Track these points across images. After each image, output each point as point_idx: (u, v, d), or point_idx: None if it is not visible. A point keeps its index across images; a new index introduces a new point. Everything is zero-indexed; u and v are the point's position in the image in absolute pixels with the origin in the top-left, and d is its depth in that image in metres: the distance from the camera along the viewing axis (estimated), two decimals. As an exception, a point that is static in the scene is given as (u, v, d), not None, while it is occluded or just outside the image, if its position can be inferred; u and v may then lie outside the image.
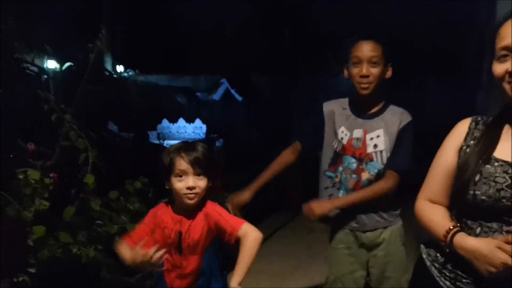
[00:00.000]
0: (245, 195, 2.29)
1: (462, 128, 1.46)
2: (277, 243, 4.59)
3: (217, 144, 7.59)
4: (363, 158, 2.14)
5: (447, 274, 1.40)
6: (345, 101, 2.23)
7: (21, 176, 2.17)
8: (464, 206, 1.37)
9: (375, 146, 2.13)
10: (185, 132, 10.01)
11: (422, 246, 1.54)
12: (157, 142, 8.48)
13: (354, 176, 2.15)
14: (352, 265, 2.23)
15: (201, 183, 1.70)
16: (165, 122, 9.78)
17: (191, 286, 1.77)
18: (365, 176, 2.14)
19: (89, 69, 2.38)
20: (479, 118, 1.46)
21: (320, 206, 2.13)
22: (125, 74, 12.01)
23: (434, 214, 1.44)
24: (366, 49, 2.08)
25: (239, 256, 1.68)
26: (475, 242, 1.30)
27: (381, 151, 2.13)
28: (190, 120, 9.96)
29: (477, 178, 1.33)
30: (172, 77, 12.09)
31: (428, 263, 1.47)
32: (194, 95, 11.44)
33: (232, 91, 11.51)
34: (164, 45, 12.04)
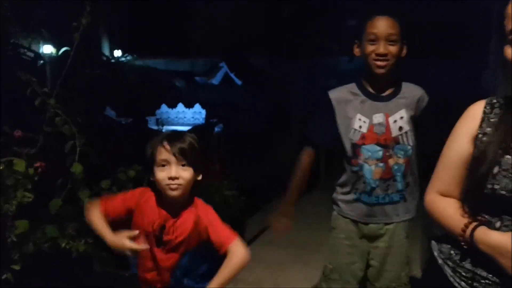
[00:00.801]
0: (287, 214, 2.23)
1: (475, 112, 1.30)
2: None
3: (217, 129, 7.45)
4: (388, 144, 1.97)
5: (463, 273, 1.27)
6: (353, 86, 2.05)
7: (1, 167, 2.02)
8: (482, 200, 1.24)
9: (400, 128, 1.97)
10: (184, 117, 9.87)
11: (433, 242, 1.40)
12: (156, 128, 8.33)
13: (381, 164, 1.98)
14: (351, 256, 2.12)
15: (185, 173, 1.58)
16: (164, 107, 9.63)
17: (164, 280, 1.66)
18: (392, 161, 1.98)
19: (74, 48, 2.21)
20: (495, 101, 1.30)
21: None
22: (123, 59, 11.84)
23: (448, 208, 1.31)
24: (384, 25, 1.91)
25: (221, 267, 1.56)
26: (499, 237, 1.17)
27: (406, 132, 1.98)
28: (189, 105, 9.81)
29: (495, 170, 1.19)
30: (170, 61, 11.92)
31: (440, 261, 1.34)
32: (193, 80, 11.27)
33: (232, 75, 11.33)
34: (162, 29, 11.83)
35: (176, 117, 9.75)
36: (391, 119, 1.98)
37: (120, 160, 2.84)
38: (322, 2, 9.52)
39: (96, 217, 1.64)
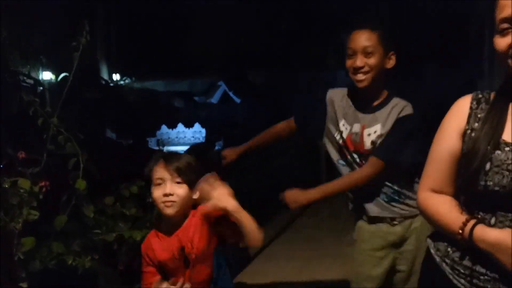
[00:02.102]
0: (232, 152, 2.40)
1: (462, 108, 1.31)
2: (282, 245, 4.46)
3: (217, 146, 7.48)
4: (362, 154, 2.03)
5: (462, 270, 1.26)
6: (345, 92, 2.11)
7: (6, 185, 2.04)
8: (475, 196, 1.24)
9: (372, 142, 2.00)
10: (185, 137, 9.91)
11: (428, 240, 1.39)
12: (156, 148, 8.37)
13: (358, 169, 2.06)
14: (375, 267, 2.10)
15: (179, 190, 1.60)
16: (164, 128, 9.68)
17: None
18: None
19: (74, 68, 2.25)
20: (480, 95, 1.31)
21: (294, 201, 2.07)
22: (122, 82, 11.94)
23: (443, 205, 1.29)
24: (360, 38, 1.95)
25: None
26: (498, 234, 1.17)
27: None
28: (189, 124, 9.86)
29: (487, 166, 1.19)
30: (169, 82, 12.02)
31: (438, 259, 1.32)
32: (192, 99, 11.34)
33: (230, 93, 11.41)
34: (159, 51, 11.96)
35: (177, 137, 9.79)
36: (365, 132, 2.01)
37: (121, 179, 2.87)
38: (319, 16, 9.64)
39: None
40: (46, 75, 9.75)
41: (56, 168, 2.29)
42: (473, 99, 1.31)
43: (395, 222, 2.07)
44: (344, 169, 2.10)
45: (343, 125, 2.05)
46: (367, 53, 1.93)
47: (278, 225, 4.96)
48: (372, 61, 1.94)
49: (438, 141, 1.33)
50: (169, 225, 1.66)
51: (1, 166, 2.47)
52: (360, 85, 1.97)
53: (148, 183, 1.66)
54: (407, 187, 2.05)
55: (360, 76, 1.95)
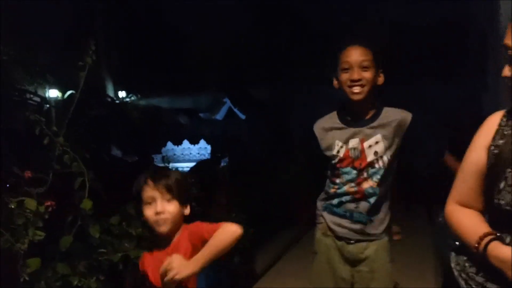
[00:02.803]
0: None
1: (492, 123, 1.31)
2: (290, 261, 4.42)
3: (223, 163, 7.47)
4: (363, 168, 2.04)
5: (474, 286, 1.26)
6: (334, 115, 2.15)
7: (13, 206, 2.03)
8: (493, 214, 1.25)
9: (375, 153, 2.03)
10: (190, 153, 9.93)
11: (452, 254, 1.39)
12: (162, 165, 8.36)
13: (352, 185, 2.07)
14: (333, 282, 2.14)
15: (170, 207, 1.60)
16: (169, 144, 9.70)
17: None
18: (367, 184, 2.05)
19: (81, 87, 2.26)
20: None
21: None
22: (127, 99, 12.01)
23: (465, 219, 1.31)
24: (356, 53, 2.00)
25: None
26: (509, 251, 1.16)
27: (381, 156, 2.04)
28: (194, 141, 9.88)
29: (501, 185, 1.19)
30: (174, 99, 12.08)
31: (456, 273, 1.33)
32: (197, 116, 11.39)
33: (235, 110, 11.45)
34: (164, 68, 12.04)
35: (182, 154, 9.80)
36: (366, 144, 2.04)
37: (127, 198, 2.86)
38: (320, 31, 9.70)
39: None
40: (52, 93, 9.84)
41: (62, 187, 2.28)
42: (504, 115, 1.31)
43: (351, 242, 2.11)
44: (331, 189, 2.14)
45: (337, 145, 2.08)
46: (363, 67, 1.98)
47: (286, 241, 4.93)
48: (368, 75, 1.98)
49: (467, 156, 1.34)
50: (162, 242, 1.65)
51: (8, 185, 2.46)
52: (356, 97, 2.00)
53: (138, 201, 1.64)
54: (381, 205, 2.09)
55: (357, 89, 1.99)
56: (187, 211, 1.65)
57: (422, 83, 8.82)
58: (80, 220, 2.23)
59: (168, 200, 1.60)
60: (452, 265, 1.36)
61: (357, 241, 2.09)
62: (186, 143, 9.83)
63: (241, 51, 11.23)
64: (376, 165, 2.04)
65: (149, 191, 1.60)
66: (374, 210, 2.07)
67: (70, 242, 2.17)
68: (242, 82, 11.24)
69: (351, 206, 2.08)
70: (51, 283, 2.11)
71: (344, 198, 2.09)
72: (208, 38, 11.43)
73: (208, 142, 9.81)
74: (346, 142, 2.06)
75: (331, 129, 2.12)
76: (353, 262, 2.12)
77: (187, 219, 1.70)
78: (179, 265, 1.47)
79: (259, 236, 3.96)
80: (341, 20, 8.51)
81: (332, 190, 2.12)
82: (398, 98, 2.23)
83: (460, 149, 1.40)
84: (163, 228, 1.60)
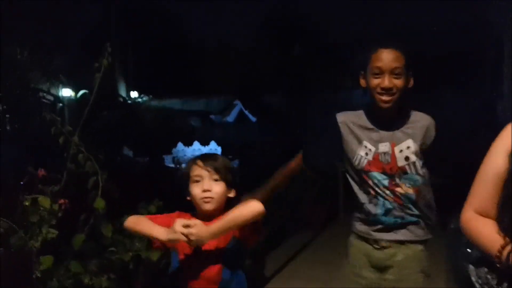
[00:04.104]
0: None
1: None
2: (301, 265, 4.41)
3: (233, 165, 7.47)
4: (394, 173, 1.94)
5: None
6: (361, 113, 2.02)
7: (27, 203, 2.05)
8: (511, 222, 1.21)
9: (407, 158, 1.94)
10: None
11: (470, 267, 1.34)
12: (172, 166, 8.40)
13: (388, 192, 1.96)
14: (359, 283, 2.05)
15: (217, 187, 1.67)
16: (180, 145, 9.73)
17: None
18: (401, 190, 1.95)
19: (96, 89, 2.28)
20: None
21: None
22: (139, 100, 12.08)
23: (485, 227, 1.28)
24: (389, 58, 1.88)
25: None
26: None
27: (414, 162, 1.95)
28: (205, 142, 9.90)
29: None
30: (185, 101, 12.13)
31: (478, 287, 1.29)
32: (208, 118, 11.42)
33: (246, 112, 11.46)
34: (176, 70, 12.10)
35: (192, 155, 9.83)
36: (396, 149, 1.95)
37: (138, 197, 2.87)
38: (334, 36, 9.69)
39: (142, 219, 1.68)
40: (66, 92, 9.94)
41: (76, 187, 2.30)
42: None
43: (376, 246, 2.02)
44: (363, 198, 2.02)
45: (365, 147, 1.97)
46: (395, 74, 1.88)
47: (296, 245, 4.91)
48: (399, 82, 1.89)
49: (486, 163, 1.32)
50: (203, 218, 1.68)
51: (21, 183, 2.49)
52: (384, 106, 1.92)
53: (184, 184, 1.71)
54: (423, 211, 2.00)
55: (386, 98, 1.90)
56: (232, 194, 1.71)
57: (438, 90, 8.75)
58: (93, 219, 2.25)
59: (215, 180, 1.67)
60: (473, 279, 1.32)
61: (385, 247, 2.00)
62: (196, 145, 9.84)
63: (255, 56, 11.25)
64: (409, 171, 1.95)
65: (198, 170, 1.67)
66: (418, 213, 1.99)
67: (82, 240, 2.18)
68: (254, 86, 11.25)
69: (395, 211, 1.97)
70: (63, 280, 2.13)
71: (387, 204, 1.98)
72: (222, 42, 11.47)
73: (218, 144, 9.83)
74: (375, 145, 1.96)
75: (360, 127, 1.99)
76: (381, 268, 2.02)
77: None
78: (198, 233, 1.55)
79: (269, 238, 3.96)
80: (354, 29, 8.49)
81: (362, 198, 2.00)
82: (413, 104, 2.17)
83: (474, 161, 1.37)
84: (208, 206, 1.65)
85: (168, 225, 1.63)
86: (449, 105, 8.44)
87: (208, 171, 1.66)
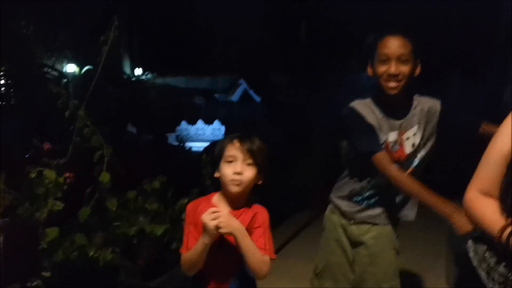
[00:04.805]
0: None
1: None
2: (302, 244, 4.44)
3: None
4: (402, 161, 1.97)
5: (497, 276, 1.24)
6: (370, 102, 2.02)
7: (33, 175, 2.07)
8: None
9: (413, 145, 1.98)
10: (204, 133, 9.96)
11: (469, 242, 1.37)
12: (176, 144, 8.42)
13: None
14: (340, 257, 2.15)
15: (249, 172, 1.61)
16: (184, 124, 9.74)
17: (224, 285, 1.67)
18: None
19: (103, 62, 2.27)
20: None
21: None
22: (143, 77, 12.04)
23: (487, 207, 1.28)
24: (395, 45, 1.89)
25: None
26: None
27: (417, 147, 1.99)
28: (209, 121, 9.90)
29: None
30: (190, 79, 12.07)
31: (475, 263, 1.31)
32: (212, 97, 11.39)
33: (250, 92, 11.42)
34: (181, 47, 12.02)
35: (196, 134, 9.84)
36: (404, 137, 1.97)
37: (142, 174, 2.89)
38: (340, 18, 9.58)
39: (188, 255, 1.63)
40: (70, 68, 9.91)
41: (81, 160, 2.32)
42: None
43: (352, 222, 2.11)
44: (356, 186, 2.07)
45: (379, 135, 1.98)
46: (402, 61, 1.89)
47: (298, 223, 4.94)
48: (406, 69, 1.89)
49: (493, 144, 1.32)
50: (226, 202, 1.67)
51: (27, 156, 2.50)
52: (392, 92, 1.92)
53: (215, 160, 1.66)
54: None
55: (393, 84, 1.90)
56: (260, 181, 1.66)
57: (443, 79, 8.67)
58: (98, 193, 2.26)
59: (249, 164, 1.62)
60: (470, 254, 1.34)
61: (361, 222, 2.09)
62: (200, 123, 9.86)
63: (260, 35, 11.14)
64: (414, 157, 1.99)
65: (233, 151, 1.62)
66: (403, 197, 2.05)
67: (88, 214, 2.21)
68: (259, 66, 11.18)
69: (383, 195, 2.03)
70: (68, 253, 2.16)
71: (376, 190, 2.03)
72: (228, 20, 11.35)
73: (222, 123, 9.83)
74: (386, 134, 1.97)
75: (371, 116, 1.98)
76: (355, 243, 2.12)
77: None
78: (227, 219, 1.53)
79: (271, 217, 3.98)
80: (361, 12, 8.39)
81: (362, 184, 2.04)
82: (420, 92, 2.15)
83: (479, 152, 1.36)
84: (236, 189, 1.61)
85: (197, 223, 1.62)
86: (455, 93, 8.39)
87: (243, 153, 1.61)
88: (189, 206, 1.71)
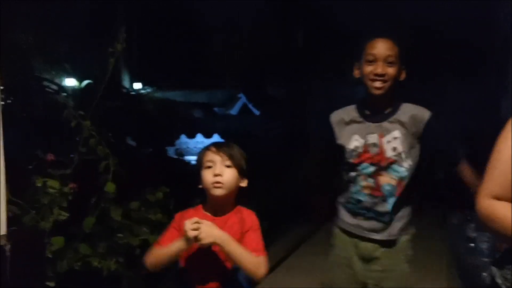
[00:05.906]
0: None
1: None
2: (302, 257, 4.44)
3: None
4: (382, 164, 1.99)
5: None
6: (352, 108, 2.09)
7: (39, 184, 2.08)
8: None
9: (394, 148, 1.98)
10: (203, 147, 9.96)
11: (493, 268, 1.33)
12: (175, 157, 8.43)
13: (371, 180, 2.00)
14: (349, 278, 2.10)
15: (228, 173, 1.63)
16: (183, 137, 9.74)
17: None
18: (384, 180, 1.99)
19: (109, 73, 2.30)
20: None
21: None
22: (143, 91, 12.08)
23: (508, 209, 1.23)
24: (383, 47, 1.95)
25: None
26: None
27: (400, 153, 1.99)
28: (208, 135, 9.91)
29: None
30: (189, 93, 12.12)
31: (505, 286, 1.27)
32: (212, 110, 11.43)
33: (250, 105, 11.47)
34: (180, 62, 12.09)
35: (195, 147, 9.83)
36: (384, 140, 1.99)
37: (144, 185, 2.90)
38: (337, 28, 9.67)
39: (156, 250, 1.65)
40: (70, 82, 9.95)
41: (87, 171, 2.33)
42: None
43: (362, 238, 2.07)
44: (353, 188, 2.07)
45: (355, 140, 2.03)
46: (388, 62, 1.95)
47: (298, 237, 4.94)
48: (392, 70, 1.95)
49: (502, 147, 1.29)
50: (212, 209, 1.68)
51: (30, 167, 2.52)
52: (377, 92, 1.97)
53: (197, 172, 1.68)
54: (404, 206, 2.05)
55: (378, 84, 1.95)
56: (244, 183, 1.68)
57: (441, 82, 8.73)
58: (103, 202, 2.27)
59: (227, 166, 1.64)
60: (499, 281, 1.30)
61: (371, 240, 2.05)
62: (199, 137, 9.85)
63: (258, 48, 11.22)
64: (395, 162, 1.99)
65: (210, 155, 1.65)
66: (394, 209, 2.02)
67: (92, 223, 2.21)
68: (258, 79, 11.24)
69: (369, 204, 2.03)
70: (72, 262, 2.16)
71: (362, 196, 2.04)
72: (226, 34, 11.44)
73: (221, 137, 9.84)
74: (364, 137, 2.01)
75: (350, 122, 2.06)
76: (367, 260, 2.07)
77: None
78: (207, 230, 1.53)
79: (271, 231, 3.98)
80: (359, 19, 8.46)
81: (349, 188, 2.07)
82: (416, 96, 2.19)
83: (477, 157, 1.34)
84: (219, 192, 1.62)
85: (180, 227, 1.62)
86: (452, 97, 8.42)
87: (221, 156, 1.64)
88: (178, 214, 1.72)
